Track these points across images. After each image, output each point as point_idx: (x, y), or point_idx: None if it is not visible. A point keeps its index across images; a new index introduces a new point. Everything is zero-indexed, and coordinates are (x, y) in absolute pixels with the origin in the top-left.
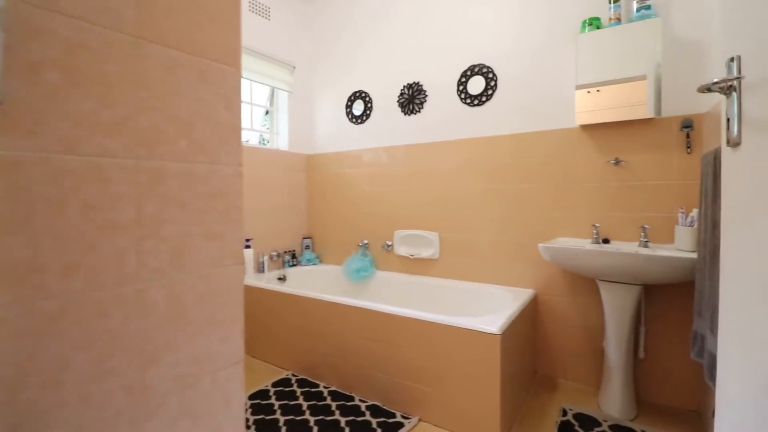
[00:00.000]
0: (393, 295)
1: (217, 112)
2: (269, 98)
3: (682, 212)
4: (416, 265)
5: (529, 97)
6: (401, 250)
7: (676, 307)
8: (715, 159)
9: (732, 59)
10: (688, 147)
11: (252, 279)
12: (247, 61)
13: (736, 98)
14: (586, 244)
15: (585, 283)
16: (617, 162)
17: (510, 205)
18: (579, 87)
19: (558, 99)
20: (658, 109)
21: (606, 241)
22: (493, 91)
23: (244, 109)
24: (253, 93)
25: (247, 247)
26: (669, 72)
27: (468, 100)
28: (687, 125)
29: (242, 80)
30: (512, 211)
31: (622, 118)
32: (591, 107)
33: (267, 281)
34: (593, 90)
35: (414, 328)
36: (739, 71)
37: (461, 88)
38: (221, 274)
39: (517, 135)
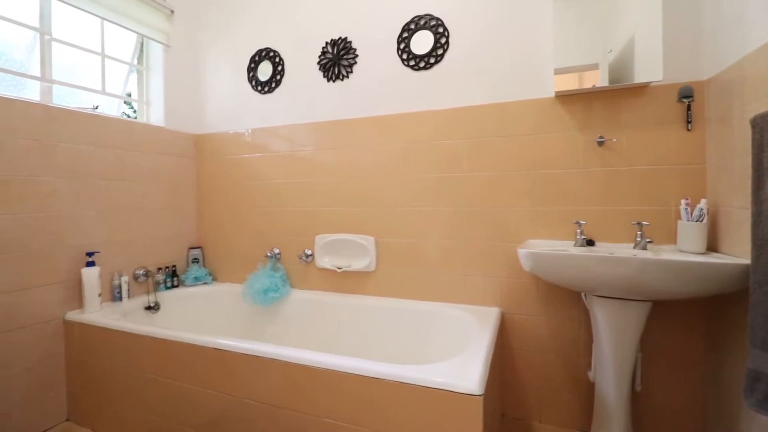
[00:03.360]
0: (316, 325)
1: None
2: (135, 53)
3: (687, 204)
4: (345, 281)
5: (490, 58)
6: (325, 261)
7: (676, 327)
8: None
9: None
10: (689, 121)
11: (95, 313)
12: None
13: None
14: (568, 246)
15: (563, 297)
16: (602, 141)
17: (466, 200)
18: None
19: (529, 60)
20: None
21: (590, 242)
22: (444, 51)
23: (92, 61)
24: (106, 39)
25: (90, 264)
26: (665, 31)
27: (412, 62)
28: (687, 95)
29: (89, 16)
30: (469, 207)
31: (615, 82)
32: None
33: (123, 315)
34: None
35: (349, 388)
36: None
37: (402, 46)
38: None
39: (475, 108)
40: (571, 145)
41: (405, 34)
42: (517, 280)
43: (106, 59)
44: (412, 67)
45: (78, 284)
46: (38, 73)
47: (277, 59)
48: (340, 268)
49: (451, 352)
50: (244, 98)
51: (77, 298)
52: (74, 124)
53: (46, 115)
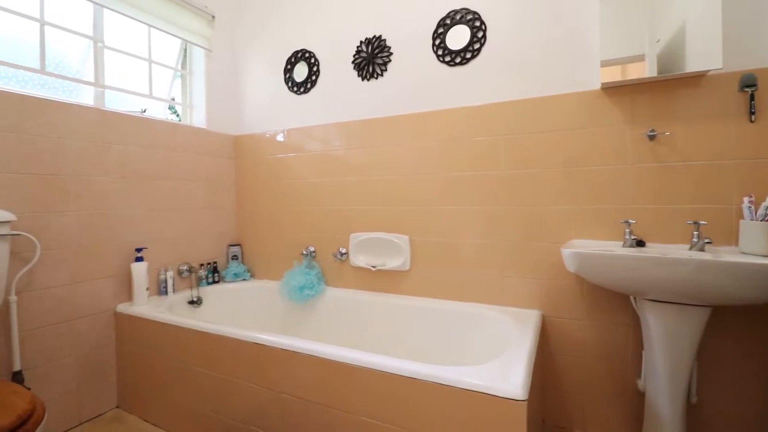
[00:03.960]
0: (350, 323)
1: None
2: (179, 58)
3: (750, 201)
4: (379, 280)
5: (529, 51)
6: (359, 259)
7: (736, 335)
8: None
9: None
10: (752, 112)
11: (144, 306)
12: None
13: None
14: (615, 247)
15: (610, 300)
16: (653, 135)
17: (503, 198)
18: (605, 62)
19: (570, 53)
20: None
21: (640, 243)
22: (481, 45)
23: (141, 67)
24: (152, 45)
25: (139, 260)
26: (725, 16)
27: (447, 58)
28: (749, 83)
29: (137, 24)
30: (507, 206)
31: (663, 73)
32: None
33: (169, 308)
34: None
35: (386, 387)
36: None
37: (438, 42)
38: None
39: (513, 103)
40: (618, 140)
41: (440, 30)
42: (558, 282)
43: (152, 65)
44: (447, 62)
45: (127, 278)
46: (92, 79)
47: (313, 60)
48: (374, 267)
49: (490, 355)
50: (281, 99)
51: (127, 292)
52: (125, 126)
53: (99, 119)
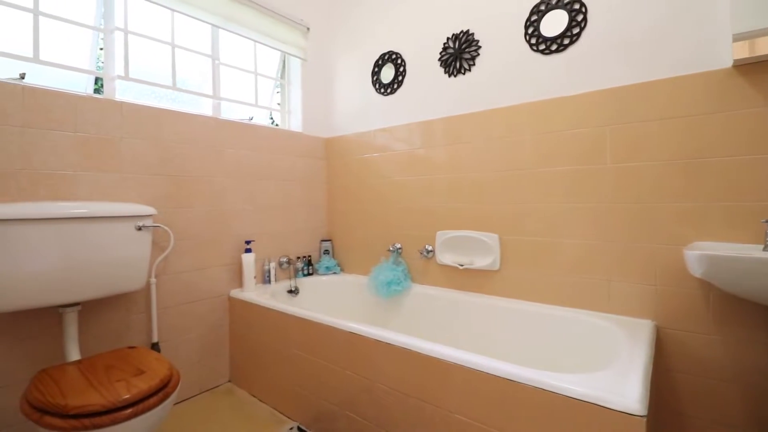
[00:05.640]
0: (436, 320)
1: None
2: (279, 69)
3: None
4: (467, 279)
5: (638, 30)
6: (446, 257)
7: None
8: None
9: None
10: None
11: (252, 292)
12: (250, 17)
13: None
14: (753, 251)
15: (747, 313)
16: None
17: (609, 195)
18: (737, 36)
19: (688, 29)
20: None
21: None
22: (581, 29)
23: (248, 79)
24: (258, 60)
25: (248, 251)
26: None
27: (542, 46)
28: None
29: (245, 41)
30: (613, 204)
31: None
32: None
33: (272, 295)
34: None
35: (483, 387)
36: None
37: (531, 30)
38: None
39: (619, 89)
40: (755, 126)
41: (534, 17)
42: (678, 289)
43: (258, 77)
44: (542, 51)
45: (238, 267)
46: (210, 92)
47: (399, 61)
48: (461, 265)
49: (592, 366)
50: (368, 101)
51: (238, 279)
52: (236, 132)
53: (216, 126)
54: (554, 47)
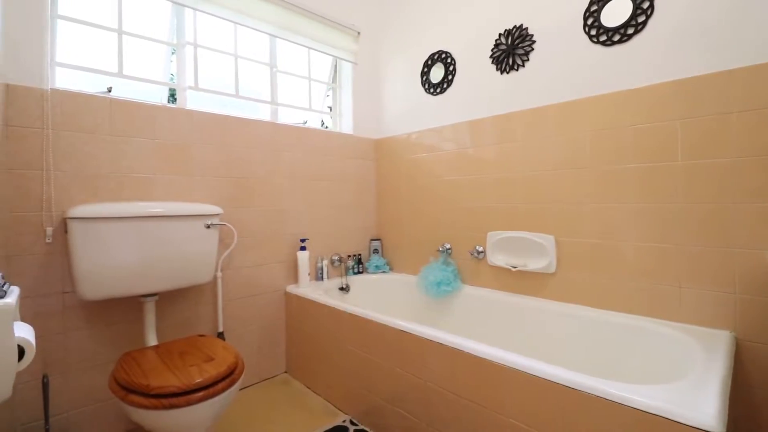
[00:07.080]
0: (487, 322)
1: None
2: (331, 74)
3: None
4: (520, 281)
5: (712, 15)
6: (497, 258)
7: None
8: None
9: None
10: None
11: (306, 288)
12: (304, 26)
13: None
14: None
15: None
16: None
17: (680, 195)
18: None
19: None
20: None
21: None
22: (648, 17)
23: (301, 85)
24: (311, 65)
25: (302, 249)
26: None
27: (603, 37)
28: None
29: (299, 48)
30: (685, 204)
31: None
32: None
33: (325, 292)
34: None
35: (541, 394)
36: None
37: (591, 21)
38: None
39: (691, 80)
40: None
41: (594, 8)
42: (762, 298)
43: (311, 82)
44: (603, 42)
45: (294, 264)
46: (268, 98)
47: (449, 60)
48: (514, 267)
49: (658, 379)
50: (418, 101)
51: (293, 275)
52: (292, 135)
53: (274, 130)
54: (617, 38)
